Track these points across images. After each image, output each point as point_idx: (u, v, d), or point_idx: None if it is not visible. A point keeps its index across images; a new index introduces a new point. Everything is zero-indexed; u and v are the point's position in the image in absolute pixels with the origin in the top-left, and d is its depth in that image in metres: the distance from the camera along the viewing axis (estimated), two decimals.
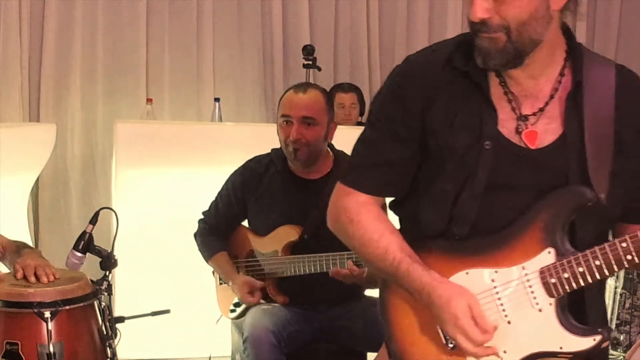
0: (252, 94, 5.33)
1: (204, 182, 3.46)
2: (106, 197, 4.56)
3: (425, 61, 1.69)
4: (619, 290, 4.02)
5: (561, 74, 1.64)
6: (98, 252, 2.60)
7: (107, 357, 2.53)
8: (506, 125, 1.62)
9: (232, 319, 3.01)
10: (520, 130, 1.62)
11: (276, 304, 2.86)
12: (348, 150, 2.97)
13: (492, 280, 1.63)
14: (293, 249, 2.85)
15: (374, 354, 2.91)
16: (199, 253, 3.08)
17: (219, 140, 4.03)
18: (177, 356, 3.86)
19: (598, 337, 1.60)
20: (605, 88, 1.62)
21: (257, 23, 5.32)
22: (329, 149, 2.95)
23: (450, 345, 1.64)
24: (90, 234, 2.60)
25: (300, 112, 2.80)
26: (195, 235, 3.09)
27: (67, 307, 2.41)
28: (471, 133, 1.62)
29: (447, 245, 1.66)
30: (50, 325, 2.35)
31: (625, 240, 1.56)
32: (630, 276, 4.00)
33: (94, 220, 2.63)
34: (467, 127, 1.62)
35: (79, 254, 2.57)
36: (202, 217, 3.09)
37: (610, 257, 1.57)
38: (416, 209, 1.69)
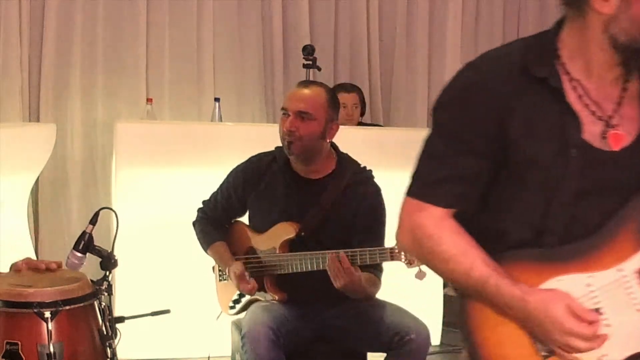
0: (252, 94, 5.33)
1: (204, 182, 3.46)
2: (106, 197, 4.56)
3: (495, 68, 1.63)
4: None
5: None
6: (98, 252, 2.60)
7: (107, 357, 2.53)
8: (589, 130, 1.59)
9: (232, 315, 3.02)
10: (605, 134, 1.60)
11: (275, 301, 2.86)
12: (351, 151, 3.00)
13: (588, 285, 1.59)
14: (290, 246, 2.85)
15: (374, 354, 2.92)
16: (199, 253, 3.08)
17: (219, 140, 4.04)
18: (177, 356, 3.86)
19: None
20: None
21: (257, 23, 5.32)
22: (333, 150, 2.95)
23: (544, 354, 1.61)
24: (90, 234, 2.60)
25: (296, 105, 2.82)
26: (194, 223, 3.10)
27: (67, 307, 2.40)
28: (555, 142, 1.58)
29: (533, 255, 1.63)
30: (51, 325, 2.35)
31: None
32: None
33: (94, 221, 2.62)
34: (550, 137, 1.59)
35: (79, 254, 2.57)
36: (201, 206, 3.10)
37: None
38: (498, 222, 1.66)
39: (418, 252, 1.70)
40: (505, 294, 1.58)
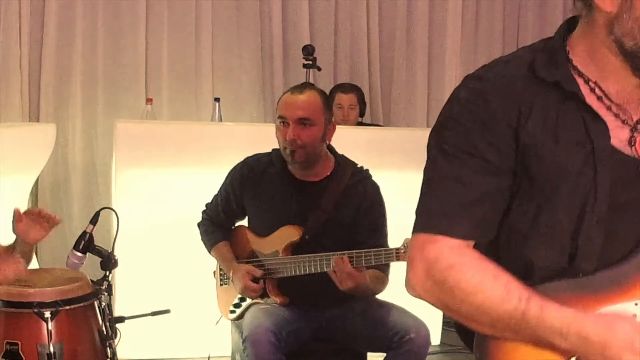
0: (251, 94, 5.33)
1: (203, 182, 3.46)
2: (106, 197, 4.56)
3: (503, 75, 1.44)
4: None
5: None
6: (98, 252, 2.61)
7: (107, 357, 2.53)
8: (616, 135, 1.40)
9: (232, 320, 3.01)
10: (633, 140, 1.41)
11: (276, 304, 2.86)
12: (350, 151, 3.00)
13: (634, 316, 1.39)
14: (294, 249, 2.85)
15: (374, 354, 2.92)
16: (199, 253, 3.09)
17: (218, 140, 4.03)
18: (177, 356, 3.86)
19: None
20: None
21: (257, 23, 5.32)
22: (330, 152, 2.95)
23: None
24: (91, 234, 2.60)
25: (295, 113, 2.79)
26: (199, 224, 3.11)
27: (67, 307, 2.41)
28: (581, 150, 1.39)
29: (570, 286, 1.41)
30: (50, 325, 2.36)
31: None
32: None
33: (94, 221, 2.63)
34: (574, 143, 1.39)
35: (79, 254, 2.58)
36: (204, 208, 3.11)
37: None
38: (522, 249, 1.44)
39: (437, 292, 1.43)
40: (553, 318, 1.34)
